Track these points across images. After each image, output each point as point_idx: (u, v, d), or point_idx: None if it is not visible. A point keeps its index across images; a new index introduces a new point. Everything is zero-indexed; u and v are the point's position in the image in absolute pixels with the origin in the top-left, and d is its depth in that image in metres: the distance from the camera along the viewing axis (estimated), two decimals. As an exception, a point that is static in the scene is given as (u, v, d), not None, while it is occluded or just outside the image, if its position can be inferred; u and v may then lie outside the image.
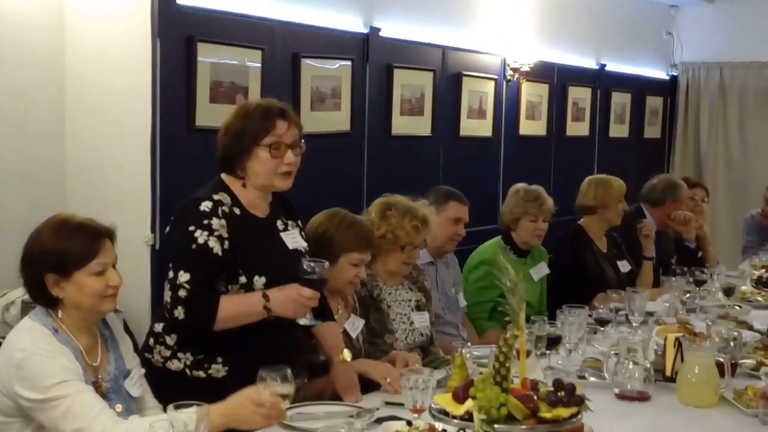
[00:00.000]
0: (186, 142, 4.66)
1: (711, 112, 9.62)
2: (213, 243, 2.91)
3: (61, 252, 2.53)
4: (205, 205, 2.94)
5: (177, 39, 4.57)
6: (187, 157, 4.65)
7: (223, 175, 3.09)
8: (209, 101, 4.71)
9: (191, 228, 2.91)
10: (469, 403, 2.28)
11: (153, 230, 4.48)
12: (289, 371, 2.56)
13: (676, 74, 9.80)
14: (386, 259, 3.78)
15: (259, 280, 2.98)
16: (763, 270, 5.32)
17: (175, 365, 2.97)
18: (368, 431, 2.60)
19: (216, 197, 2.97)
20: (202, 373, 2.97)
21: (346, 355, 3.25)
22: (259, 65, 4.97)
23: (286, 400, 2.56)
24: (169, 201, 4.54)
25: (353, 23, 5.73)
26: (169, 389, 2.75)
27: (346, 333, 3.38)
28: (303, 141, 3.11)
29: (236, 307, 2.90)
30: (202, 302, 2.89)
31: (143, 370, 2.81)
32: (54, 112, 4.60)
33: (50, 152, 4.59)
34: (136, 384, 2.70)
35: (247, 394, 2.51)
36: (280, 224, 3.16)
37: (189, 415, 2.23)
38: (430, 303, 3.97)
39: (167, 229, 3.07)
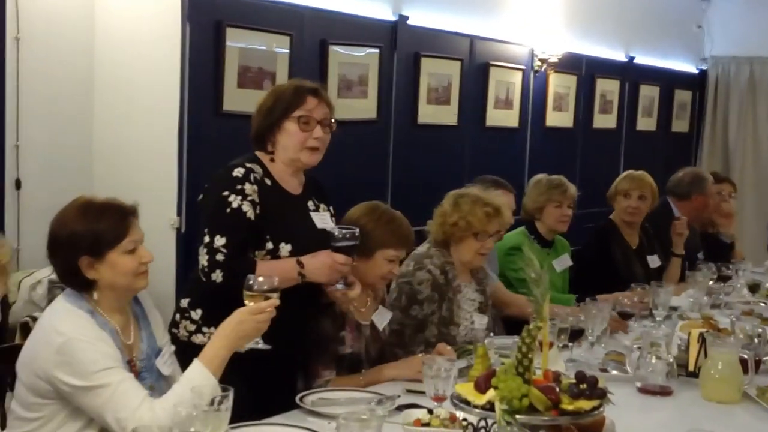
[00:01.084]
0: (213, 126, 4.68)
1: (740, 107, 9.54)
2: (246, 207, 2.95)
3: (93, 233, 2.53)
4: (238, 171, 2.98)
5: (206, 24, 4.59)
6: (214, 142, 4.67)
7: (256, 152, 3.14)
8: (237, 86, 4.73)
9: (225, 193, 2.95)
10: (490, 393, 2.28)
11: (179, 213, 4.52)
12: (276, 280, 2.56)
13: (705, 68, 9.72)
14: (460, 248, 3.76)
15: (285, 247, 3.01)
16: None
17: (199, 339, 2.99)
18: (389, 418, 2.61)
19: (249, 165, 3.03)
20: (204, 338, 2.98)
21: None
22: (287, 51, 4.98)
23: (276, 294, 2.55)
24: (195, 185, 4.55)
25: (382, 11, 5.73)
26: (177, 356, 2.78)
27: (373, 325, 3.37)
28: (334, 121, 3.15)
29: (272, 271, 2.90)
30: (240, 265, 2.91)
31: (173, 348, 2.83)
32: (83, 95, 4.63)
33: (79, 135, 4.63)
34: (167, 362, 2.71)
35: (240, 313, 2.53)
36: (311, 204, 3.20)
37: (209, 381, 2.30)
38: (489, 308, 3.95)
39: (200, 197, 3.09)
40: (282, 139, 3.07)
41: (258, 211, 2.98)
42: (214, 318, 2.93)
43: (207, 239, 2.93)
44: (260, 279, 2.54)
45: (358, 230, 3.04)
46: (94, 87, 4.66)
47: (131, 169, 4.63)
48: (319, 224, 3.15)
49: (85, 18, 4.60)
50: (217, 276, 2.91)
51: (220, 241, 2.91)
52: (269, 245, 3.00)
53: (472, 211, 3.74)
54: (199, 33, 4.54)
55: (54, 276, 4.05)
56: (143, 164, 4.63)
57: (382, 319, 3.40)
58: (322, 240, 3.08)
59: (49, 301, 4.00)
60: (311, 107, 3.07)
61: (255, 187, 2.98)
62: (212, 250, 2.92)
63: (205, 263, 2.92)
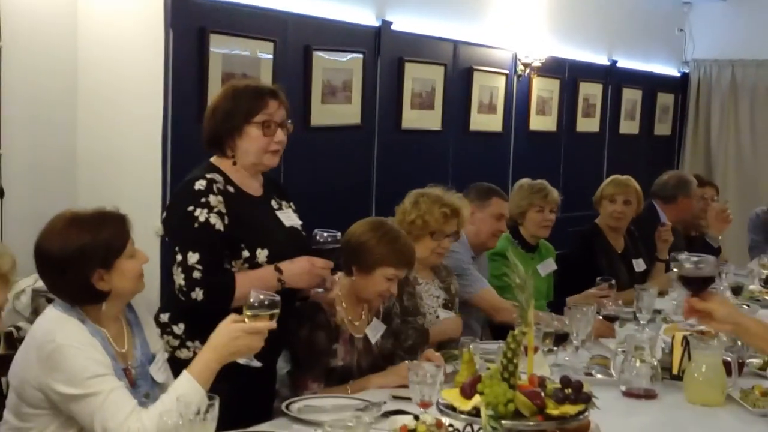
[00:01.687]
0: (197, 133, 4.59)
1: (722, 110, 9.60)
2: (214, 219, 2.92)
3: (102, 245, 2.50)
4: (200, 184, 2.95)
5: (189, 30, 4.59)
6: (198, 149, 4.61)
7: (213, 159, 3.11)
8: (221, 93, 4.72)
9: (190, 208, 2.92)
10: (476, 399, 2.29)
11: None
12: (278, 298, 2.53)
13: (687, 71, 9.78)
14: (417, 246, 3.76)
15: (262, 253, 2.99)
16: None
17: (184, 354, 2.97)
18: (376, 425, 2.61)
19: (209, 176, 2.99)
20: (189, 353, 2.96)
21: None
22: (271, 57, 4.98)
23: (274, 319, 2.52)
24: (179, 192, 4.56)
25: (365, 16, 5.74)
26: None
27: (366, 338, 3.37)
28: (291, 122, 3.14)
29: (251, 282, 2.90)
30: (219, 280, 2.91)
31: (167, 354, 2.82)
32: (66, 102, 4.62)
33: (62, 142, 4.61)
34: (161, 369, 2.70)
35: (235, 329, 2.49)
36: (274, 203, 3.19)
37: (197, 394, 2.29)
38: (456, 307, 3.98)
39: (163, 215, 3.09)
40: (243, 144, 3.04)
41: (227, 222, 2.95)
42: (198, 332, 2.92)
43: (179, 257, 2.90)
44: (261, 296, 2.50)
45: (339, 234, 3.05)
46: (77, 94, 4.65)
47: (115, 176, 4.62)
48: (287, 222, 3.15)
49: (67, 25, 4.58)
50: (198, 294, 2.88)
51: (193, 257, 2.88)
52: (245, 253, 2.98)
53: (430, 211, 3.80)
54: (182, 39, 4.54)
55: (38, 285, 4.05)
56: (127, 171, 4.62)
57: (375, 332, 3.40)
58: (295, 239, 3.11)
59: (33, 310, 3.99)
60: (272, 111, 3.05)
61: (219, 198, 2.95)
62: (187, 268, 2.89)
63: (182, 282, 2.89)
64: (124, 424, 2.36)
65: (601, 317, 3.98)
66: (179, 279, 2.90)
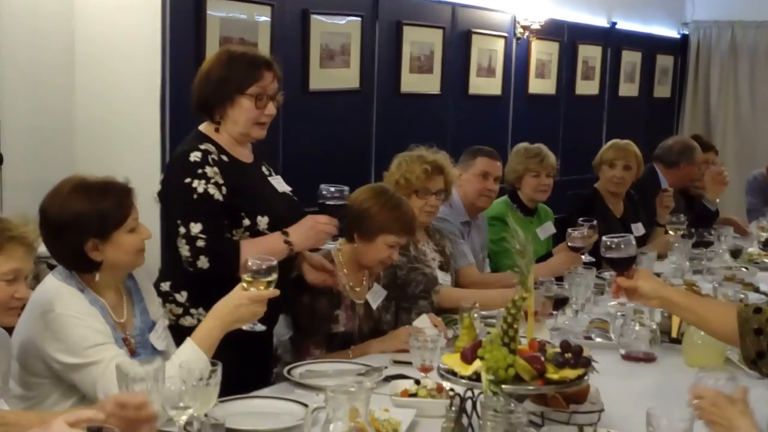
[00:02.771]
0: (195, 98, 4.65)
1: (721, 72, 9.56)
2: (212, 190, 2.91)
3: (100, 214, 2.48)
4: (195, 156, 2.92)
5: (187, -6, 4.56)
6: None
7: (201, 127, 3.08)
8: (218, 57, 4.69)
9: (187, 180, 2.90)
10: (477, 364, 2.30)
11: (162, 185, 4.50)
12: (275, 263, 2.51)
13: (687, 33, 9.73)
14: None
15: (263, 220, 2.98)
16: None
17: (188, 321, 2.97)
18: (377, 389, 2.63)
19: (202, 147, 2.96)
20: (194, 321, 2.96)
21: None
22: (269, 21, 4.96)
23: (275, 277, 2.50)
24: (178, 157, 4.55)
25: (363, -21, 5.70)
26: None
27: (367, 304, 3.38)
28: (281, 93, 3.10)
29: (258, 248, 2.89)
30: (224, 247, 2.90)
31: (167, 321, 2.82)
32: (64, 65, 4.60)
33: (60, 105, 4.60)
34: (161, 336, 2.70)
35: (239, 296, 2.48)
36: (265, 170, 3.18)
37: (201, 361, 2.29)
38: (452, 269, 3.99)
39: (159, 189, 3.04)
40: (233, 114, 3.00)
41: (224, 192, 2.93)
42: (201, 299, 2.93)
43: (182, 230, 2.88)
44: (258, 261, 2.47)
45: (347, 189, 3.04)
46: (75, 60, 4.63)
47: (113, 139, 4.61)
48: (279, 188, 3.14)
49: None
50: (203, 263, 2.87)
51: (195, 227, 2.87)
52: (246, 221, 2.97)
53: (411, 169, 3.81)
54: (179, 3, 4.52)
55: (39, 251, 4.05)
56: (125, 136, 4.61)
57: (376, 297, 3.41)
58: (290, 204, 3.10)
59: (34, 276, 3.98)
60: (266, 83, 3.01)
61: (215, 169, 2.93)
62: (191, 238, 2.87)
63: (188, 253, 2.88)
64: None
65: (569, 246, 3.99)
66: (184, 251, 2.89)
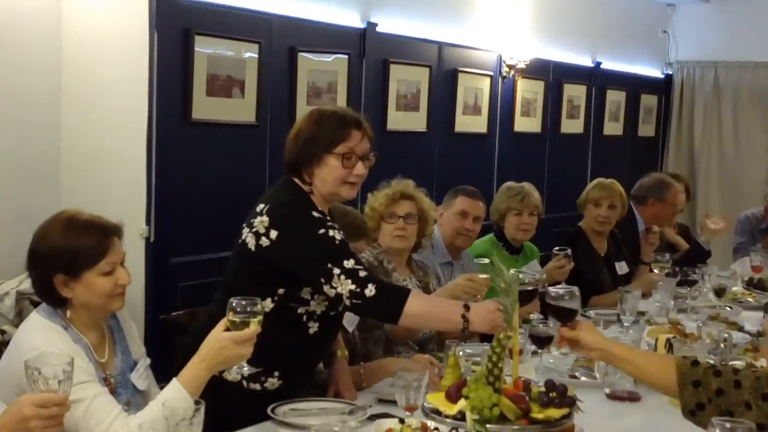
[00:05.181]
0: (182, 134, 4.67)
1: (705, 111, 9.65)
2: (342, 237, 2.92)
3: (70, 252, 2.48)
4: (316, 213, 2.91)
5: (174, 31, 4.58)
6: (183, 150, 4.67)
7: (295, 180, 3.00)
8: (206, 94, 4.72)
9: (321, 231, 2.86)
10: (461, 403, 2.30)
11: (148, 222, 4.50)
12: (260, 305, 2.48)
13: (671, 73, 9.83)
14: (380, 236, 3.90)
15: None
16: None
17: (232, 376, 2.87)
18: (361, 429, 2.62)
19: (318, 211, 2.94)
20: (258, 386, 2.93)
21: (345, 351, 3.27)
22: (256, 57, 4.98)
23: (259, 318, 2.46)
24: (164, 193, 4.55)
25: (350, 18, 5.74)
26: (223, 399, 2.72)
27: (343, 327, 3.39)
28: (373, 154, 3.05)
29: (430, 305, 2.89)
30: (392, 285, 2.91)
31: (149, 360, 2.79)
32: (50, 103, 4.60)
33: (46, 143, 4.59)
34: (142, 376, 2.68)
35: (222, 338, 2.43)
36: None
37: (185, 402, 2.26)
38: None
39: (260, 240, 2.87)
40: (321, 173, 2.94)
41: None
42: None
43: (337, 270, 2.81)
44: (243, 302, 2.44)
45: (544, 276, 3.07)
46: (62, 95, 4.63)
47: (99, 177, 4.60)
48: None
49: (52, 25, 4.57)
50: (371, 290, 2.81)
51: (349, 263, 2.83)
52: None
53: (375, 199, 3.92)
54: (167, 41, 4.53)
55: (22, 287, 4.04)
56: (111, 172, 4.60)
57: (351, 321, 3.42)
58: None
59: (17, 312, 3.97)
60: (354, 142, 2.95)
61: (334, 225, 2.95)
62: (351, 271, 2.82)
63: (353, 286, 2.81)
64: (110, 429, 2.36)
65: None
66: (348, 285, 2.81)
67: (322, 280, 2.83)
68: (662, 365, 2.46)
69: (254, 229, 2.89)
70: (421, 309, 2.88)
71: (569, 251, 4.41)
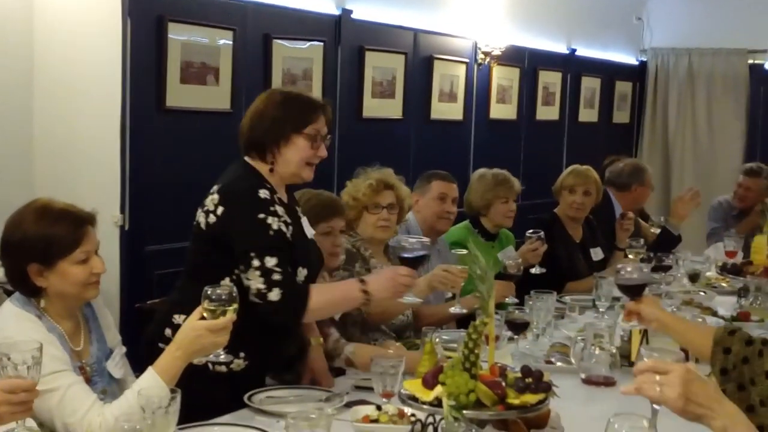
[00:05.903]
0: (156, 122, 4.64)
1: (679, 98, 9.70)
2: (284, 228, 2.92)
3: (45, 240, 2.47)
4: (264, 193, 2.93)
5: (148, 18, 4.55)
6: (157, 138, 4.64)
7: (253, 164, 3.04)
8: (180, 81, 4.70)
9: (261, 216, 2.89)
10: (438, 389, 2.30)
11: (122, 210, 4.47)
12: (235, 292, 2.50)
13: (645, 60, 9.86)
14: (361, 226, 3.89)
15: (302, 272, 2.98)
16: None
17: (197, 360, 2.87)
18: (338, 415, 2.62)
19: (266, 185, 2.97)
20: (223, 368, 2.94)
21: (320, 339, 3.27)
22: (231, 45, 4.95)
23: (234, 306, 2.48)
24: (138, 181, 4.52)
25: (325, 5, 5.72)
26: (188, 382, 2.72)
27: (332, 317, 3.40)
28: (329, 136, 3.13)
29: (330, 294, 2.92)
30: (298, 286, 2.89)
31: (124, 349, 2.78)
32: (23, 90, 4.55)
33: (19, 131, 4.55)
34: (118, 365, 2.67)
35: (198, 326, 2.44)
36: (298, 211, 3.18)
37: (161, 390, 2.25)
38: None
39: (209, 218, 2.93)
40: (287, 152, 3.00)
41: (291, 232, 2.95)
42: None
43: (257, 263, 2.85)
44: (218, 290, 2.45)
45: (428, 240, 3.08)
46: (34, 82, 4.59)
47: (73, 165, 4.57)
48: (308, 234, 3.15)
49: (23, 13, 4.52)
50: (275, 295, 2.86)
51: (271, 261, 2.86)
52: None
53: (356, 188, 3.90)
54: (140, 28, 4.49)
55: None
56: (85, 161, 4.57)
57: None
58: (318, 253, 3.14)
59: (-9, 301, 3.94)
60: (320, 125, 3.05)
61: (282, 208, 2.96)
62: (267, 271, 2.85)
63: (261, 285, 2.86)
64: (85, 418, 2.35)
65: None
66: (257, 283, 2.86)
67: (242, 267, 2.89)
68: (704, 334, 2.69)
69: (205, 208, 2.96)
70: (323, 300, 2.95)
71: (542, 233, 4.44)
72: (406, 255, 2.99)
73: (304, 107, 3.04)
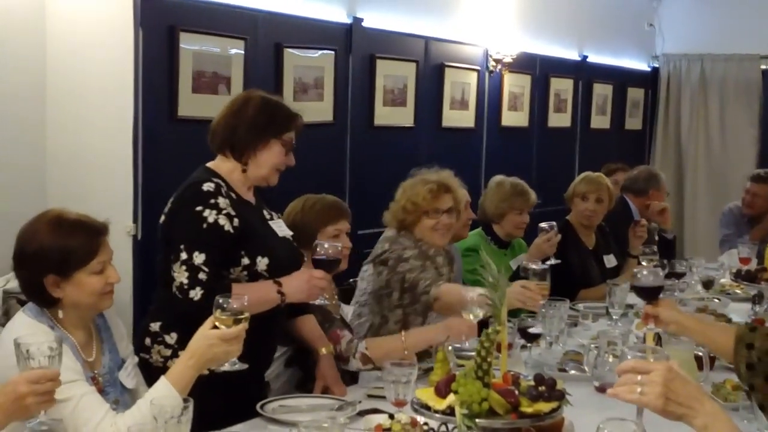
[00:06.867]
0: (168, 131, 4.65)
1: (692, 104, 9.67)
2: (223, 221, 2.93)
3: (62, 251, 2.47)
4: (208, 186, 2.96)
5: (159, 28, 4.56)
6: (169, 147, 4.64)
7: (211, 164, 3.13)
8: (192, 91, 4.70)
9: (198, 208, 2.92)
10: (451, 398, 2.30)
11: (135, 220, 4.48)
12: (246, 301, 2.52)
13: (657, 66, 9.84)
14: (418, 230, 3.82)
15: (263, 261, 3.00)
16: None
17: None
18: (351, 424, 2.62)
19: (215, 180, 3.01)
20: (205, 370, 2.95)
21: (330, 348, 3.27)
22: (242, 54, 4.96)
23: (246, 316, 2.50)
24: (150, 191, 4.53)
25: (336, 13, 5.72)
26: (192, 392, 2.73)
27: (342, 320, 3.41)
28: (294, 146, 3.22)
29: (250, 293, 2.90)
30: (219, 285, 2.89)
31: (136, 359, 2.79)
32: (36, 100, 4.57)
33: (32, 141, 4.56)
34: (130, 374, 2.68)
35: (211, 335, 2.44)
36: (266, 213, 3.21)
37: (174, 400, 2.25)
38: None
39: (162, 218, 3.05)
40: (262, 156, 3.09)
41: (235, 224, 2.96)
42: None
43: (185, 255, 2.88)
44: (231, 300, 2.47)
45: (339, 245, 3.11)
46: (47, 93, 4.60)
47: (85, 175, 4.58)
48: (280, 233, 3.16)
49: (36, 23, 4.53)
50: (196, 293, 2.86)
51: (199, 258, 2.88)
52: (245, 260, 2.98)
53: (415, 192, 3.82)
54: (152, 38, 4.51)
55: (9, 286, 4.01)
56: (98, 171, 4.58)
57: (346, 313, 3.47)
58: (291, 249, 3.14)
59: (4, 312, 3.95)
60: (293, 134, 3.15)
61: (227, 200, 2.97)
62: (193, 268, 2.87)
63: (185, 280, 2.87)
64: (98, 428, 2.35)
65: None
66: (181, 277, 2.88)
67: (172, 257, 2.92)
68: (725, 332, 2.73)
69: (164, 212, 3.05)
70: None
71: (554, 223, 4.45)
72: (321, 258, 3.05)
73: (284, 115, 3.15)
